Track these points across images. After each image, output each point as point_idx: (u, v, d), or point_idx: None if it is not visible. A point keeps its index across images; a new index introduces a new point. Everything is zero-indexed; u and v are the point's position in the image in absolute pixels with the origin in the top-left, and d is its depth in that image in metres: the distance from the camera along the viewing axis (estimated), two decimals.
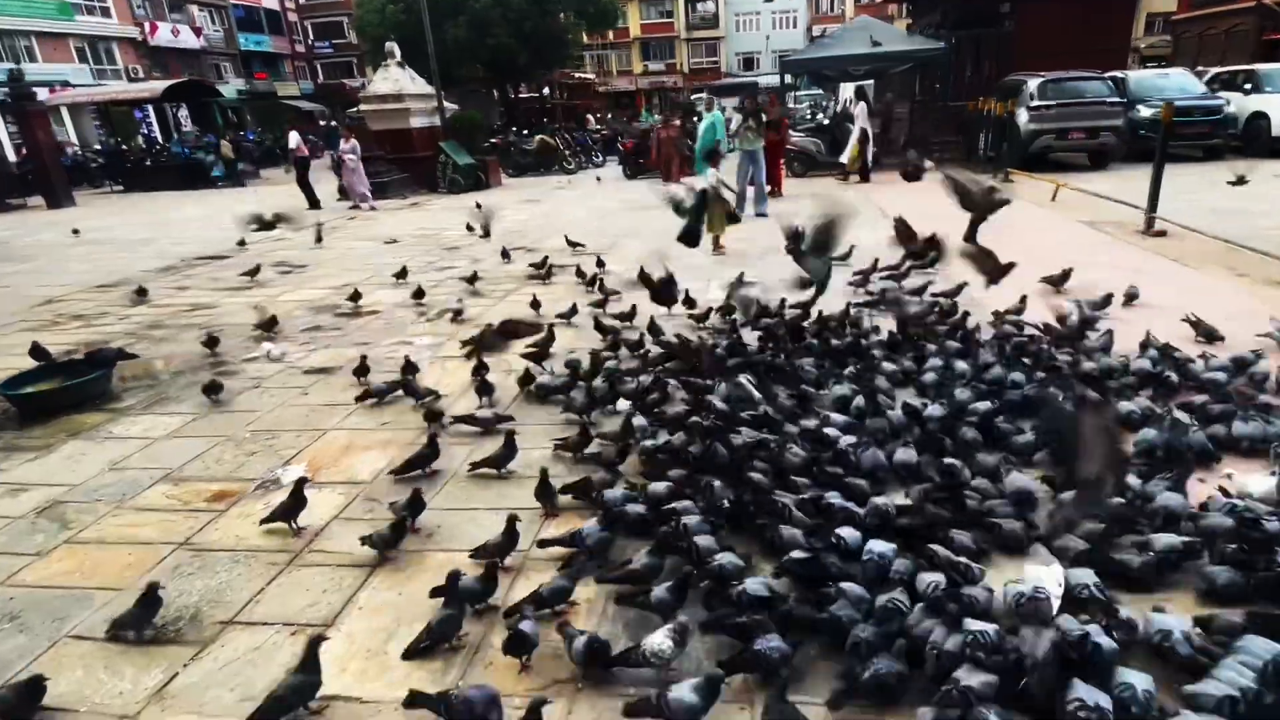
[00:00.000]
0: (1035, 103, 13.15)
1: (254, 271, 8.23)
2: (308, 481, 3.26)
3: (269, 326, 6.02)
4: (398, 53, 15.77)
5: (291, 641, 2.44)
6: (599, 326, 5.27)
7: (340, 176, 14.93)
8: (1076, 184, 10.54)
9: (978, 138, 14.30)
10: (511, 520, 2.79)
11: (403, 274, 7.54)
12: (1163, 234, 7.67)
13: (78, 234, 12.38)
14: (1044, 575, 2.45)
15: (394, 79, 15.58)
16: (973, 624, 2.10)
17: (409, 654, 2.33)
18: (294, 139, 14.96)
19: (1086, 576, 2.33)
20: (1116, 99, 13.13)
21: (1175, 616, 2.17)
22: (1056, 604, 2.28)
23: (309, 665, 2.12)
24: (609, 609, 2.54)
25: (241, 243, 10.32)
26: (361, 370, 4.75)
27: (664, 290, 5.53)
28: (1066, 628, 2.14)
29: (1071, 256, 6.14)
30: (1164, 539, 2.53)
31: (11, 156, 21.56)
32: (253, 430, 4.20)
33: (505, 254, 8.34)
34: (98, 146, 25.92)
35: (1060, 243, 7.57)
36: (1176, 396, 3.75)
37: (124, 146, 23.97)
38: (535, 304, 6.01)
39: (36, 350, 4.98)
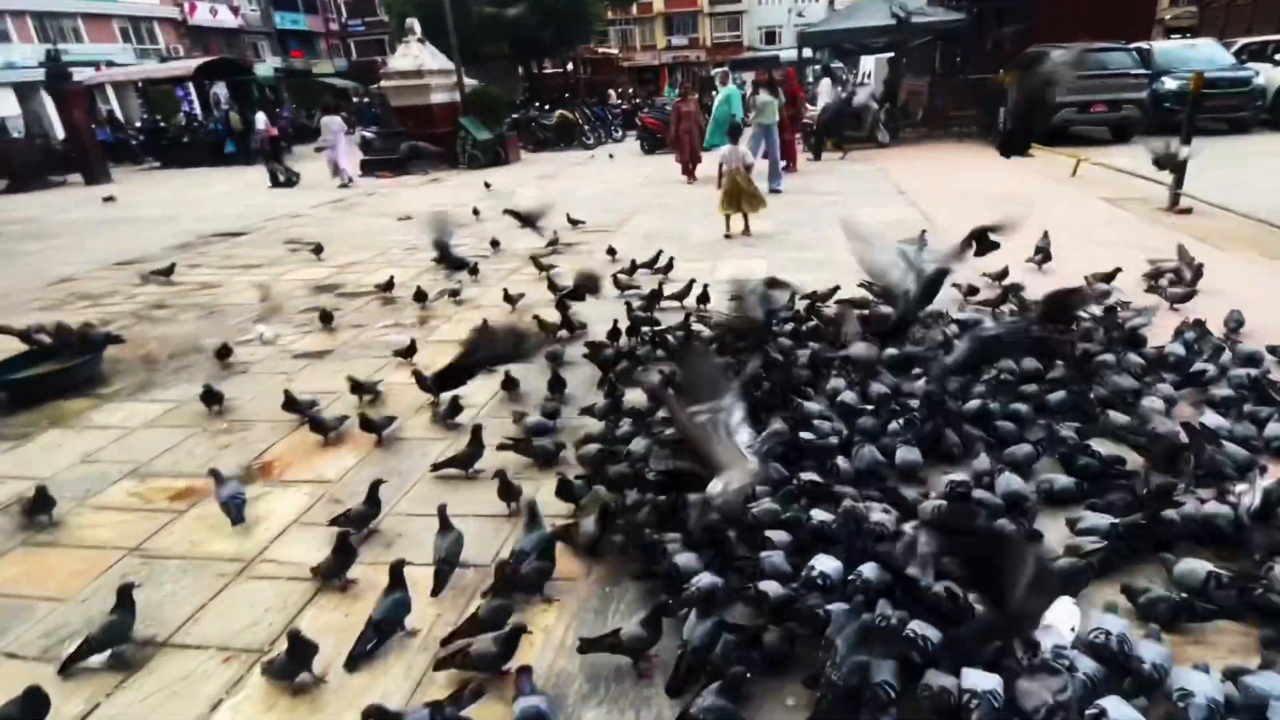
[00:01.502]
0: None
1: (318, 249, 8.00)
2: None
3: (326, 321, 5.56)
4: (418, 29, 15.55)
5: (223, 669, 2.26)
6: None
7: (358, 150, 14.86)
8: (1098, 159, 10.02)
9: (997, 111, 13.53)
10: (442, 510, 2.65)
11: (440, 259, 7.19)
12: (1188, 211, 7.15)
13: (111, 200, 12.47)
14: (1058, 615, 2.13)
15: (414, 55, 15.35)
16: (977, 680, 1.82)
17: None
18: (261, 120, 14.91)
19: (1113, 624, 2.01)
20: (1140, 71, 12.43)
21: (1208, 677, 1.84)
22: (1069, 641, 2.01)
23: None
24: (567, 639, 2.31)
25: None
26: (410, 351, 4.59)
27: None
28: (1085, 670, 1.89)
29: (1093, 235, 5.67)
30: (1187, 565, 2.23)
31: (60, 134, 21.92)
32: (230, 420, 4.06)
33: (494, 243, 7.78)
34: (138, 124, 26.32)
35: (1081, 221, 7.06)
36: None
37: (163, 124, 24.28)
38: (510, 299, 5.58)
39: (22, 334, 4.90)
